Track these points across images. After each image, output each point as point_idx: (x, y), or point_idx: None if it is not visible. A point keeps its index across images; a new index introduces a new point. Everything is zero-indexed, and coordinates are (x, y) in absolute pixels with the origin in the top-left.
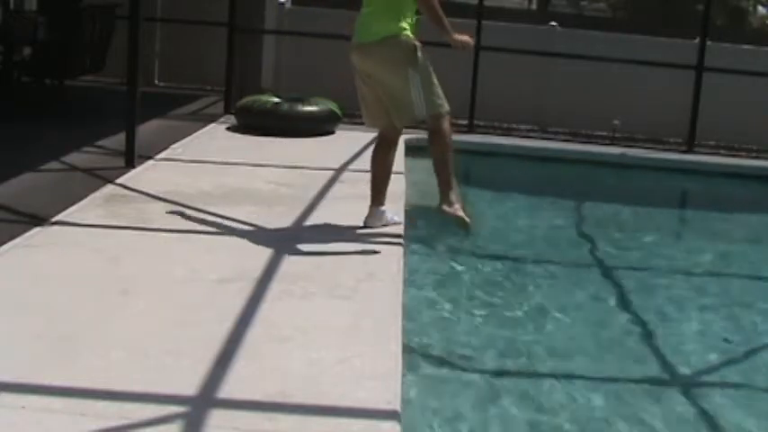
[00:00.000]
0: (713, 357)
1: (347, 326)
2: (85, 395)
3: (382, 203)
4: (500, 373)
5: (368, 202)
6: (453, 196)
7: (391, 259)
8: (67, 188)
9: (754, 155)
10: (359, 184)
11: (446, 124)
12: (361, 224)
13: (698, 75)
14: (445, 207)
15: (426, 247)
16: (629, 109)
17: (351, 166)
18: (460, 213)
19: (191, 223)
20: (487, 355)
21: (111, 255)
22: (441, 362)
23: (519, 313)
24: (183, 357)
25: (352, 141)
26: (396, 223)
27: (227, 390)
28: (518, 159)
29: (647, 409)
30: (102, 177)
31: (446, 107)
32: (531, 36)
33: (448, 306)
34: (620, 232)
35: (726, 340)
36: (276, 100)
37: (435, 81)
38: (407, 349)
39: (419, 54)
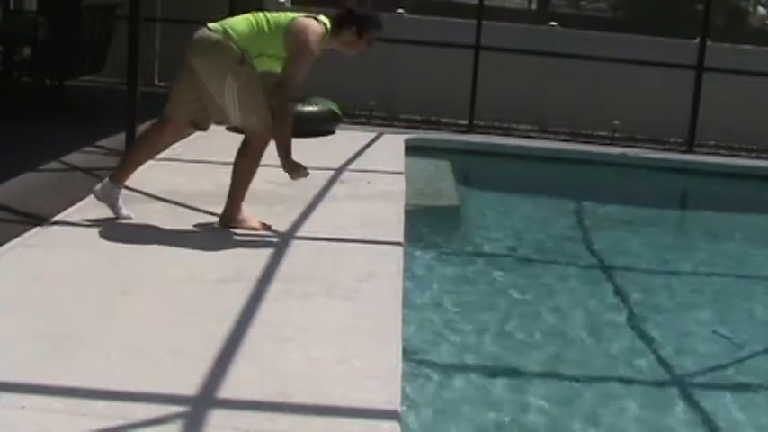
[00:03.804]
0: (713, 356)
1: (347, 326)
2: (85, 395)
3: (121, 184)
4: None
5: (367, 201)
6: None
7: (391, 259)
8: (67, 188)
9: (754, 155)
10: (359, 184)
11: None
12: (361, 224)
13: (698, 75)
14: (238, 220)
15: (426, 246)
16: (629, 109)
17: (351, 166)
18: (254, 224)
19: (191, 223)
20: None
21: (111, 255)
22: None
23: (518, 313)
24: (183, 357)
25: (352, 141)
26: (127, 217)
27: (227, 390)
28: (518, 159)
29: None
30: (102, 177)
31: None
32: (531, 36)
33: (445, 307)
34: (620, 232)
35: (726, 337)
36: None
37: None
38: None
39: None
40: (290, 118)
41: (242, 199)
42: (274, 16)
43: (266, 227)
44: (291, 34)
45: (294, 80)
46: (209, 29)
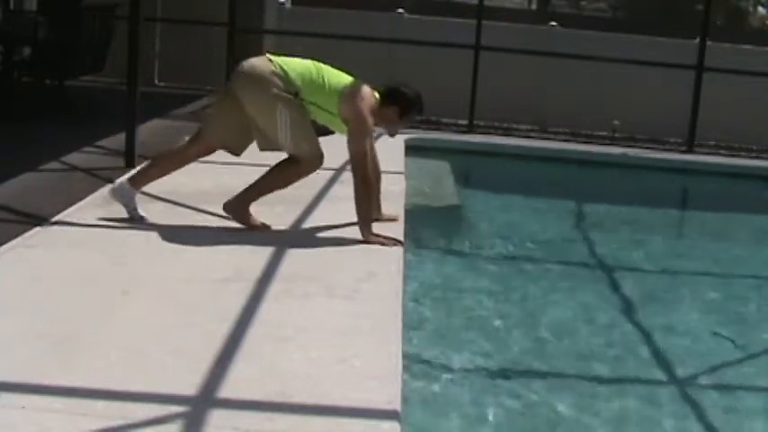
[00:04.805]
0: (714, 357)
1: (347, 326)
2: (85, 395)
3: (138, 188)
4: None
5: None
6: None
7: (391, 259)
8: (67, 188)
9: (754, 155)
10: None
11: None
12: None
13: (698, 75)
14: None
15: (425, 246)
16: (629, 109)
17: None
18: (255, 224)
19: (191, 223)
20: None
21: (111, 255)
22: None
23: (515, 315)
24: (183, 357)
25: None
26: (140, 219)
27: (227, 390)
28: (518, 159)
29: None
30: (102, 177)
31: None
32: (531, 36)
33: (444, 308)
34: (620, 232)
35: (728, 339)
36: None
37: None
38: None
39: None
40: (372, 189)
41: (255, 200)
42: (332, 75)
43: (266, 227)
44: (350, 107)
45: (365, 155)
46: (269, 59)
